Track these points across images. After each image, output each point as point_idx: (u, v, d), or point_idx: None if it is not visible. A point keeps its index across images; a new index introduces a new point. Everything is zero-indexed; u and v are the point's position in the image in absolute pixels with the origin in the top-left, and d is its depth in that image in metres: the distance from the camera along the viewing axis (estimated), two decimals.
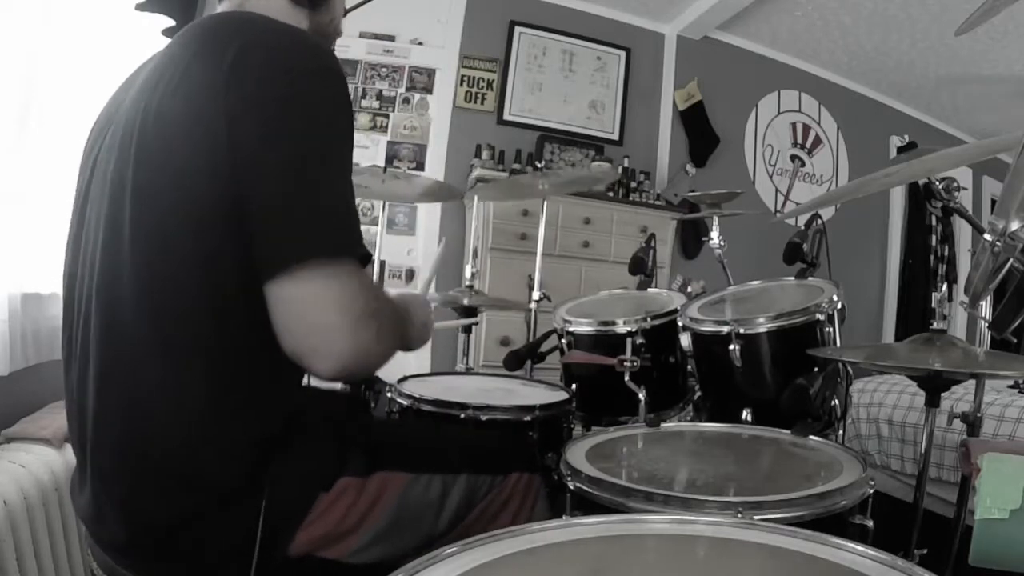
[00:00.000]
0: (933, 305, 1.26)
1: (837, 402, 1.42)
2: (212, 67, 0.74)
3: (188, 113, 0.74)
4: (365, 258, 0.78)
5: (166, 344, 0.75)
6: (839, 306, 1.42)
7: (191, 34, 0.81)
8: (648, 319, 1.62)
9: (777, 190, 4.58)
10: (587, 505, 0.92)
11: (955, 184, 1.45)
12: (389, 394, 1.43)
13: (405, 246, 3.63)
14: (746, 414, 1.40)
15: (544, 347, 1.84)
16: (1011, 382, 2.21)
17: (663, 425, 1.32)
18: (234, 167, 0.72)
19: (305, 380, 0.95)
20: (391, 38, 3.67)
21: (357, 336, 0.73)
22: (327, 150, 0.76)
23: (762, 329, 1.40)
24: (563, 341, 1.73)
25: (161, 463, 0.77)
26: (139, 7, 2.17)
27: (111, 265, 0.77)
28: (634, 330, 1.59)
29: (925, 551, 1.20)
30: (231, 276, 0.75)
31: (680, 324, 1.55)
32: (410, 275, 3.64)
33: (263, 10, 0.87)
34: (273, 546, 0.79)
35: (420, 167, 3.68)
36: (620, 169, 3.92)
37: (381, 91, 3.66)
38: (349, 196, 0.78)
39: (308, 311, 0.72)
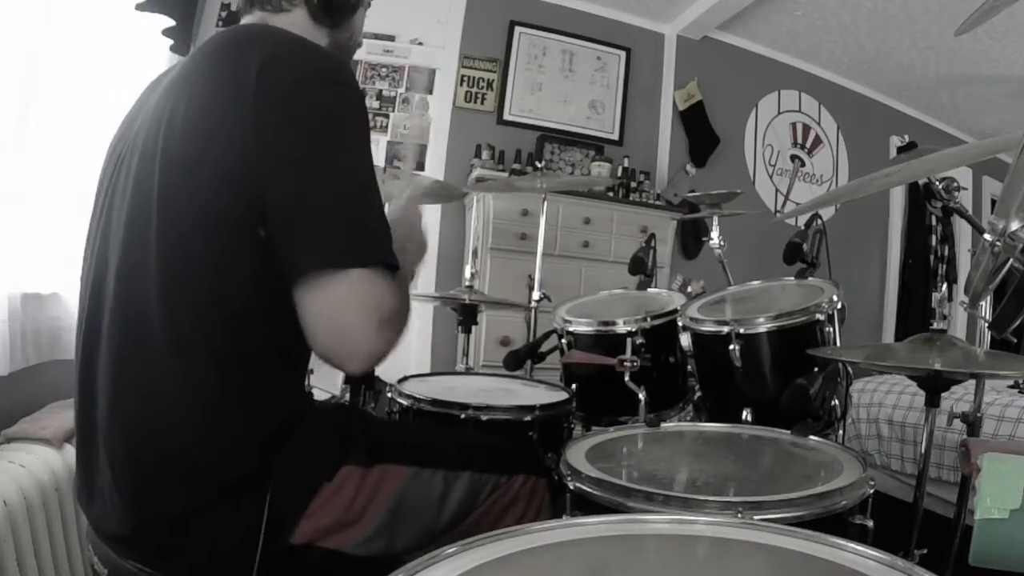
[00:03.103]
0: (933, 305, 1.26)
1: (837, 402, 1.42)
2: (238, 79, 0.76)
3: (213, 122, 0.76)
4: (393, 266, 0.81)
5: (180, 342, 0.77)
6: (839, 306, 1.42)
7: (215, 45, 0.84)
8: (648, 319, 1.62)
9: (777, 190, 4.58)
10: (587, 505, 0.92)
11: (955, 184, 1.45)
12: (389, 394, 1.43)
13: None
14: (746, 414, 1.40)
15: (544, 347, 1.84)
16: (1011, 382, 2.21)
17: (663, 425, 1.32)
18: (259, 177, 0.74)
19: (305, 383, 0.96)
20: (391, 38, 3.67)
21: (382, 336, 0.78)
22: (350, 162, 0.79)
23: (762, 329, 1.40)
24: (563, 341, 1.73)
25: (172, 456, 0.78)
26: (139, 7, 2.17)
27: (132, 266, 0.79)
28: (634, 330, 1.59)
29: (925, 551, 1.20)
30: (244, 279, 0.77)
31: (680, 324, 1.55)
32: None
33: (285, 26, 0.89)
34: (276, 536, 0.80)
35: (420, 167, 3.68)
36: (620, 169, 3.93)
37: (381, 91, 3.66)
38: (374, 205, 0.81)
39: (337, 316, 0.76)
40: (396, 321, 0.79)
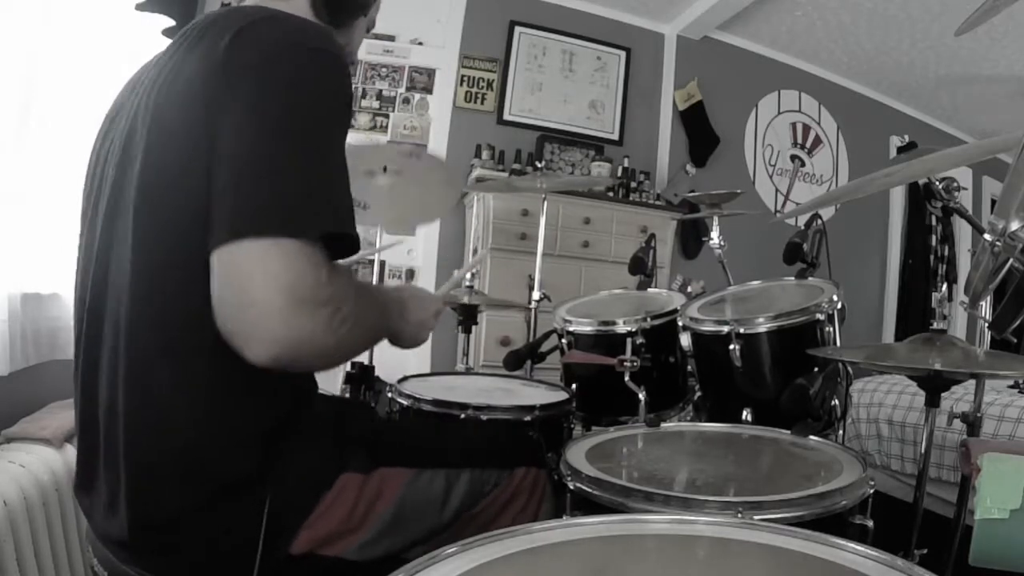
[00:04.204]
0: (933, 305, 1.26)
1: (837, 402, 1.42)
2: (208, 54, 0.73)
3: (184, 104, 0.74)
4: (347, 243, 0.74)
5: (168, 342, 0.76)
6: (839, 306, 1.42)
7: (192, 29, 0.81)
8: (648, 319, 1.62)
9: (777, 190, 4.58)
10: (587, 505, 0.92)
11: (955, 184, 1.45)
12: (389, 394, 1.43)
13: (405, 246, 3.62)
14: (746, 414, 1.40)
15: (544, 347, 1.84)
16: (1011, 382, 2.21)
17: (663, 425, 1.32)
18: (213, 149, 0.70)
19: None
20: (391, 38, 3.67)
21: (297, 321, 0.66)
22: (304, 132, 0.73)
23: (762, 329, 1.40)
24: (563, 341, 1.73)
25: (174, 454, 0.77)
26: (139, 7, 2.17)
27: (117, 263, 0.78)
28: (634, 330, 1.59)
29: (925, 551, 1.20)
30: None
31: (680, 324, 1.55)
32: (410, 275, 3.64)
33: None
34: (275, 544, 0.79)
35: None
36: (620, 169, 3.93)
37: (381, 91, 3.66)
38: (322, 178, 0.73)
39: (244, 285, 0.66)
40: (325, 308, 0.68)
